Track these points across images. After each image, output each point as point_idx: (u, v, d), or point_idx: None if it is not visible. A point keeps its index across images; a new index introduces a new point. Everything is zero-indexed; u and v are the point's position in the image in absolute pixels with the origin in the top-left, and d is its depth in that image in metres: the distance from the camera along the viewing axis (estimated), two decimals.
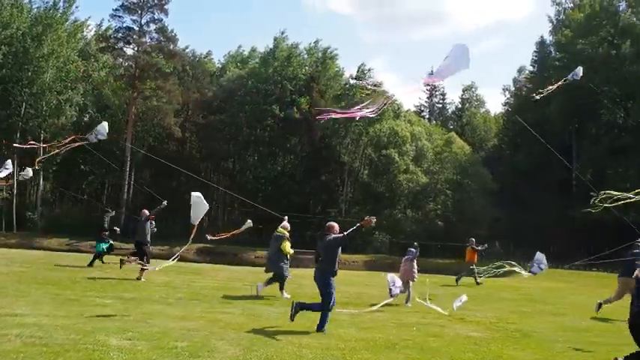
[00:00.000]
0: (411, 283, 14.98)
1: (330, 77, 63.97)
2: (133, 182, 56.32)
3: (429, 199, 58.46)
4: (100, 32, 62.09)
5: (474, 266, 22.23)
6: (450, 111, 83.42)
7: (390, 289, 13.91)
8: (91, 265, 19.32)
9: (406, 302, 14.72)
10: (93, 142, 13.29)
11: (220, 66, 70.88)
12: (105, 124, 13.22)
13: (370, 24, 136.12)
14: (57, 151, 14.01)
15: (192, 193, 11.53)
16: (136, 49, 56.61)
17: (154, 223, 17.36)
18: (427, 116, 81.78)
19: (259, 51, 67.39)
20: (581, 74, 12.90)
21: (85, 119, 56.82)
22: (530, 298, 17.63)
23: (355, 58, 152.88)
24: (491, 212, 55.88)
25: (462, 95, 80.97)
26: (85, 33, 60.42)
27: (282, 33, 65.48)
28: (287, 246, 14.37)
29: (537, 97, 12.14)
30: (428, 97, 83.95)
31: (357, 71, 63.95)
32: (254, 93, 61.20)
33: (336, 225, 10.53)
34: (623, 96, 50.12)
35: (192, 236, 11.34)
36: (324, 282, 10.14)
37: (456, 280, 22.27)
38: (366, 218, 9.94)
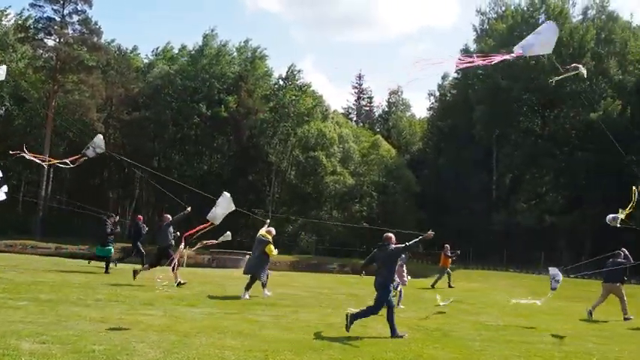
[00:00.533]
0: (401, 286, 15.23)
1: (259, 77, 63.78)
2: (52, 179, 54.41)
3: (354, 201, 59.19)
4: (20, 22, 59.66)
5: (449, 270, 23.81)
6: (376, 114, 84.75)
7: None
8: (107, 271, 18.76)
9: (397, 304, 14.43)
10: (91, 156, 12.44)
11: (148, 62, 69.38)
12: (100, 137, 12.67)
13: (300, 23, 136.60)
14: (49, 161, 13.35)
15: (225, 193, 11.86)
16: (57, 40, 54.68)
17: (171, 228, 16.81)
18: (354, 118, 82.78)
19: (189, 48, 66.40)
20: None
21: (1, 112, 54.50)
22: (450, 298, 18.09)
23: (285, 58, 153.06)
24: (415, 214, 57.15)
25: (389, 99, 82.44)
26: (3, 22, 57.92)
27: (212, 30, 64.80)
28: (272, 249, 14.71)
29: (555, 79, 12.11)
30: (356, 100, 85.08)
31: (287, 71, 63.98)
32: (181, 90, 60.29)
33: (393, 236, 11.05)
34: (541, 105, 52.31)
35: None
36: (384, 289, 10.71)
37: (432, 285, 23.02)
38: (429, 232, 10.98)
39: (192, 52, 65.04)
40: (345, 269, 42.31)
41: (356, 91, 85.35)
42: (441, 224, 54.77)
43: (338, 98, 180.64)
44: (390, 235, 11.06)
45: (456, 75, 64.99)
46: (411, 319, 13.14)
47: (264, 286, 14.99)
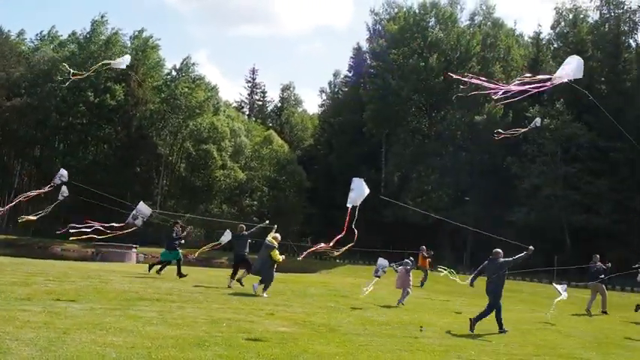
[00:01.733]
0: (409, 290, 16.90)
1: (151, 67, 61.85)
2: None
3: (245, 195, 58.79)
4: None
5: (428, 269, 25.43)
6: (269, 109, 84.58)
7: (377, 269, 17.53)
8: (181, 275, 18.91)
9: (398, 303, 16.49)
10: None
11: (33, 46, 65.40)
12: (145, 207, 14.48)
13: (196, 15, 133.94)
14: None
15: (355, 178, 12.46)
16: None
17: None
18: (247, 113, 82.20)
19: (78, 34, 63.15)
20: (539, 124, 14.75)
21: None
22: (337, 294, 18.27)
23: (179, 50, 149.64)
24: (305, 209, 57.56)
25: (282, 94, 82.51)
26: None
27: (102, 17, 61.98)
28: (277, 254, 15.77)
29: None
30: (249, 94, 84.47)
31: (182, 63, 62.44)
32: (67, 77, 57.32)
33: (501, 251, 13.09)
34: (428, 105, 54.18)
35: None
36: (497, 294, 12.70)
37: (421, 284, 24.26)
38: (530, 248, 12.78)
39: (80, 38, 62.06)
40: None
41: (249, 85, 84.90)
42: (331, 220, 55.67)
43: (231, 92, 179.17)
44: (499, 250, 13.08)
45: (347, 73, 66.13)
46: (298, 314, 13.10)
47: (266, 288, 15.78)
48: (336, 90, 71.61)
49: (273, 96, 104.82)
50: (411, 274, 17.36)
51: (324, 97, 75.99)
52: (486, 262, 13.15)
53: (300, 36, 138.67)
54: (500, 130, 14.78)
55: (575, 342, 12.31)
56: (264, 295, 15.57)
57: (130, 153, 57.10)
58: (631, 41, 52.43)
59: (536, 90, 9.85)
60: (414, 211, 48.94)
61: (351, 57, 64.89)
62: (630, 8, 52.12)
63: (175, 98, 59.31)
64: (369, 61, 60.59)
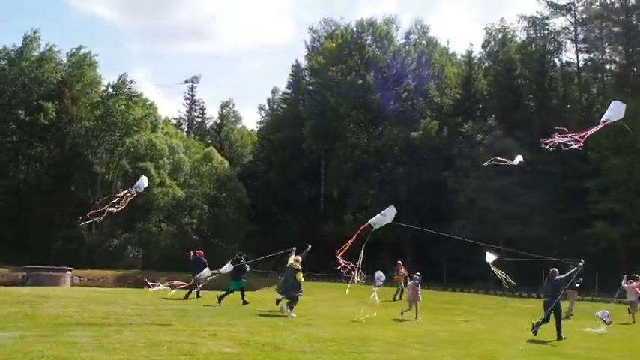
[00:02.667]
0: (418, 303, 18.66)
1: (87, 84, 60.25)
2: None
3: (184, 213, 57.88)
4: None
5: (402, 285, 26.48)
6: (208, 126, 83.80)
7: (376, 281, 20.28)
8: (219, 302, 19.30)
9: (416, 317, 18.31)
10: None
11: None
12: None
13: (133, 32, 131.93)
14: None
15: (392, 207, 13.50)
16: None
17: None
18: (186, 130, 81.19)
19: (10, 49, 60.86)
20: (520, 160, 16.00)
21: None
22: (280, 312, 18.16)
23: (116, 66, 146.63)
24: (245, 226, 57.16)
25: (221, 111, 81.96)
26: None
27: (35, 32, 60.02)
28: (300, 276, 17.16)
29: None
30: (187, 111, 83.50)
31: (119, 80, 60.97)
32: None
33: (557, 270, 15.44)
34: (366, 122, 54.85)
35: None
36: (552, 308, 14.77)
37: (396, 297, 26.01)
38: (580, 264, 14.90)
39: (12, 54, 59.95)
40: (174, 284, 40.77)
41: (188, 102, 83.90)
42: (273, 236, 55.51)
43: (170, 109, 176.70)
44: (556, 270, 15.38)
45: (286, 89, 66.34)
46: (241, 333, 12.94)
47: (291, 308, 16.85)
48: (275, 107, 71.77)
49: (213, 113, 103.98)
50: (419, 286, 18.95)
51: (263, 114, 76.12)
52: (545, 280, 15.91)
53: (240, 53, 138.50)
54: (496, 159, 15.21)
55: (514, 352, 12.58)
56: (292, 314, 16.57)
57: (64, 172, 55.34)
58: (556, 60, 54.76)
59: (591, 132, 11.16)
60: (353, 224, 49.46)
61: (290, 74, 65.23)
62: (555, 30, 54.50)
63: (112, 115, 57.98)
64: (307, 78, 60.98)
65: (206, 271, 15.38)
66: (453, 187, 46.27)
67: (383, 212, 13.71)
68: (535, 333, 14.60)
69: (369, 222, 13.36)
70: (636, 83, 51.28)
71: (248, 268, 20.67)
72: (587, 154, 43.72)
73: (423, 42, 59.19)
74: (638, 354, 13.14)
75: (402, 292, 26.21)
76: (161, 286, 17.26)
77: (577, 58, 54.88)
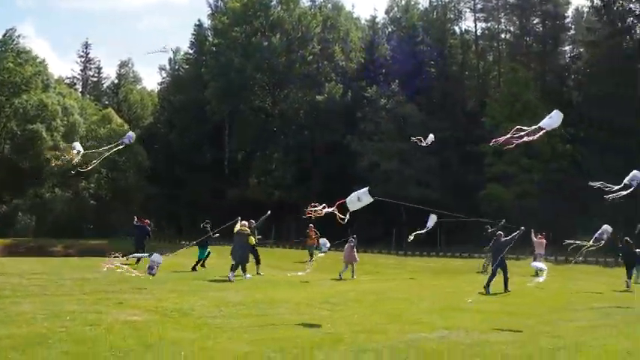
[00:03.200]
0: (355, 263, 20.69)
1: None
2: None
3: (81, 178, 55.50)
4: None
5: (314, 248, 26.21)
6: (105, 86, 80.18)
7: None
8: (194, 269, 20.03)
9: (352, 276, 20.21)
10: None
11: None
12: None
13: None
14: None
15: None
16: None
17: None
18: (80, 90, 77.32)
19: None
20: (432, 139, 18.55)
21: None
22: (191, 276, 17.91)
23: (2, 21, 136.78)
24: (146, 190, 55.76)
25: (119, 70, 78.66)
26: None
27: None
28: (252, 240, 18.64)
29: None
30: (82, 70, 79.44)
31: (4, 35, 56.81)
32: None
33: (502, 233, 17.56)
34: (272, 84, 54.30)
35: None
36: (498, 265, 16.86)
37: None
38: (521, 228, 17.36)
39: None
40: (70, 251, 39.28)
41: (82, 60, 79.72)
42: (175, 199, 54.54)
43: (63, 68, 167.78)
44: (501, 233, 17.67)
45: (188, 50, 64.48)
46: (148, 300, 12.62)
47: (244, 270, 18.12)
48: (177, 67, 69.62)
49: (110, 73, 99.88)
50: (355, 249, 20.59)
51: (164, 75, 73.66)
52: (492, 242, 17.83)
53: (139, 10, 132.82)
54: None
55: (420, 309, 13.00)
56: (248, 276, 18.00)
57: None
58: (456, 28, 56.28)
59: (530, 137, 11.93)
60: (257, 188, 49.44)
61: (192, 34, 63.24)
62: None
63: None
64: (211, 39, 59.38)
65: (157, 258, 14.75)
66: (357, 150, 46.93)
67: (359, 197, 13.24)
68: (488, 292, 16.17)
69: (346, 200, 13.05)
70: (529, 52, 53.69)
71: (216, 235, 21.20)
72: (483, 119, 45.49)
73: (329, 5, 58.99)
74: (547, 307, 13.91)
75: (312, 256, 26.25)
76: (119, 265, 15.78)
77: (475, 26, 56.71)
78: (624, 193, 15.07)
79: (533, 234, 24.81)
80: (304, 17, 52.77)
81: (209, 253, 21.35)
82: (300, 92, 53.86)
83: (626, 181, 16.33)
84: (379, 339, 9.23)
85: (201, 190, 53.23)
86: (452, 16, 55.66)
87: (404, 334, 9.78)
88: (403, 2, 58.89)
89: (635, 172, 16.30)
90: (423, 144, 18.47)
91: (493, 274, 16.88)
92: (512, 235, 17.03)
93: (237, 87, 52.08)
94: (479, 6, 56.06)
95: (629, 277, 19.79)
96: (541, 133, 11.83)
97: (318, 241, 27.44)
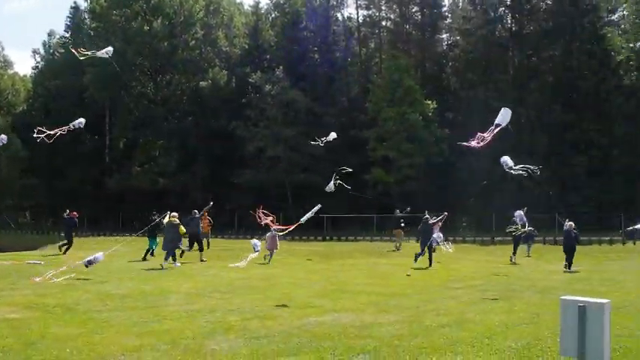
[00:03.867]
0: (275, 250, 21.48)
1: None
2: None
3: None
4: None
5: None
6: None
7: (254, 247, 20.84)
8: (144, 259, 21.52)
9: (268, 261, 20.99)
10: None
11: None
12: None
13: None
14: None
15: None
16: None
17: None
18: None
19: None
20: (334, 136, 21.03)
21: None
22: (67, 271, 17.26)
23: None
24: (22, 181, 52.92)
25: None
26: None
27: None
28: (183, 229, 19.85)
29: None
30: None
31: None
32: None
33: (429, 217, 21.10)
34: (154, 70, 52.75)
35: None
36: (427, 245, 20.04)
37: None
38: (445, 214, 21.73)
39: None
40: None
41: None
42: (54, 189, 52.08)
43: None
44: (428, 216, 21.14)
45: (64, 33, 61.33)
46: (27, 296, 12.14)
47: (174, 258, 19.38)
48: (52, 51, 65.89)
49: None
50: (277, 237, 21.48)
51: (39, 59, 69.40)
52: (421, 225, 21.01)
53: None
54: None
55: (310, 293, 13.35)
56: (177, 264, 19.14)
57: None
58: (339, 15, 57.21)
59: (490, 136, 13.57)
60: (141, 176, 48.13)
61: (68, 16, 60.04)
62: None
63: None
64: (88, 22, 56.65)
65: (100, 256, 15.32)
66: (243, 137, 46.78)
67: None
68: (415, 261, 19.58)
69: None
70: (409, 40, 55.60)
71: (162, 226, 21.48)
72: (366, 105, 46.72)
73: None
74: (430, 287, 14.64)
75: (208, 244, 26.14)
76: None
77: (357, 13, 57.93)
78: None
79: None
80: (186, 1, 51.53)
81: (156, 243, 22.46)
82: (184, 78, 52.79)
83: (503, 163, 18.11)
84: (271, 325, 9.44)
85: (82, 179, 51.18)
86: (335, 2, 56.45)
87: (296, 318, 10.06)
88: None
89: (504, 157, 17.72)
90: (321, 142, 20.16)
91: (421, 252, 19.91)
92: (438, 218, 21.12)
93: (118, 73, 50.24)
94: None
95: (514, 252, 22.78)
96: (498, 129, 13.39)
97: (210, 229, 27.37)
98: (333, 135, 20.86)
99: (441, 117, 46.79)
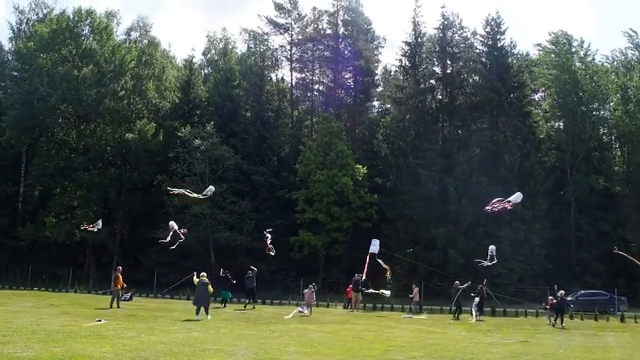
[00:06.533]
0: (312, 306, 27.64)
1: None
2: None
3: None
4: None
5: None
6: None
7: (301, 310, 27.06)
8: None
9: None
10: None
11: None
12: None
13: None
14: None
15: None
16: None
17: None
18: None
19: None
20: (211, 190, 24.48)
21: None
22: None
23: None
24: None
25: None
26: None
27: None
28: (211, 288, 22.60)
29: None
30: None
31: None
32: None
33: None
34: (77, 117, 50.68)
35: None
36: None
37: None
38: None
39: None
40: None
41: None
42: None
43: None
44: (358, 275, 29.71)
45: None
46: None
47: (207, 312, 22.13)
48: None
49: None
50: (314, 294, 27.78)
51: None
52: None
53: None
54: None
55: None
56: (208, 317, 21.74)
57: None
58: (273, 75, 57.47)
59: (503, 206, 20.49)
60: (56, 227, 45.50)
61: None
62: (273, 46, 57.43)
63: None
64: (13, 63, 54.20)
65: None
66: (168, 191, 45.31)
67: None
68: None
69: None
70: (341, 104, 56.38)
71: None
72: (296, 166, 46.45)
73: (145, 41, 56.98)
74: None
75: (118, 299, 24.82)
76: None
77: (291, 75, 58.46)
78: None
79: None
80: (118, 50, 50.26)
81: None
82: (109, 128, 50.97)
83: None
84: None
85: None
86: (269, 63, 56.73)
87: None
88: (221, 45, 58.91)
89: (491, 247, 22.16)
90: (202, 195, 24.09)
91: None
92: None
93: (40, 117, 48.11)
94: (295, 56, 57.99)
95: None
96: (509, 205, 19.91)
97: (123, 286, 26.06)
98: (210, 188, 24.52)
99: (370, 182, 47.01)
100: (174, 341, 14.74)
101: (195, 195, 24.78)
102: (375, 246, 25.90)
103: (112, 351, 12.60)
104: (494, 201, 20.83)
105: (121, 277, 25.82)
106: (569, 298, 36.21)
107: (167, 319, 21.11)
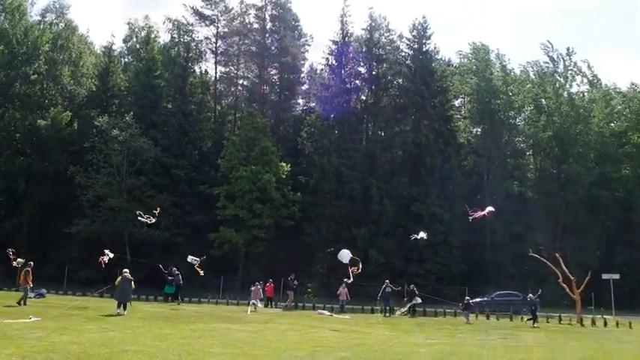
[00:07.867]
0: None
1: None
2: None
3: None
4: None
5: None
6: None
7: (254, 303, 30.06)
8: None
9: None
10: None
11: None
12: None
13: None
14: None
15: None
16: None
17: None
18: None
19: None
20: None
21: None
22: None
23: None
24: None
25: None
26: None
27: None
28: (133, 284, 23.10)
29: None
30: None
31: None
32: None
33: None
34: None
35: None
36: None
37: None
38: None
39: None
40: None
41: None
42: None
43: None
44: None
45: None
46: None
47: (125, 308, 21.99)
48: None
49: None
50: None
51: None
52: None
53: None
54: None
55: None
56: (125, 313, 21.62)
57: None
58: (197, 68, 55.77)
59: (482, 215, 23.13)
60: None
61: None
62: (198, 38, 55.86)
63: None
64: None
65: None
66: (81, 183, 43.25)
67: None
68: None
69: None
70: (265, 101, 55.60)
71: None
72: (218, 161, 45.40)
73: (61, 24, 54.13)
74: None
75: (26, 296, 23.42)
76: None
77: (215, 68, 57.11)
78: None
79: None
80: (31, 32, 47.45)
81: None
82: (19, 114, 48.07)
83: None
84: None
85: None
86: (193, 54, 55.12)
87: None
88: (143, 34, 56.75)
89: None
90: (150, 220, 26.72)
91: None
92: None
93: None
94: (220, 49, 56.72)
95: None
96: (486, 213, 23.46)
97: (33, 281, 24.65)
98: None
99: (293, 180, 46.57)
100: (89, 342, 13.70)
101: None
102: (344, 257, 23.99)
103: (17, 353, 11.48)
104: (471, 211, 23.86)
105: (31, 272, 24.14)
106: (485, 299, 37.33)
107: (80, 317, 19.82)
